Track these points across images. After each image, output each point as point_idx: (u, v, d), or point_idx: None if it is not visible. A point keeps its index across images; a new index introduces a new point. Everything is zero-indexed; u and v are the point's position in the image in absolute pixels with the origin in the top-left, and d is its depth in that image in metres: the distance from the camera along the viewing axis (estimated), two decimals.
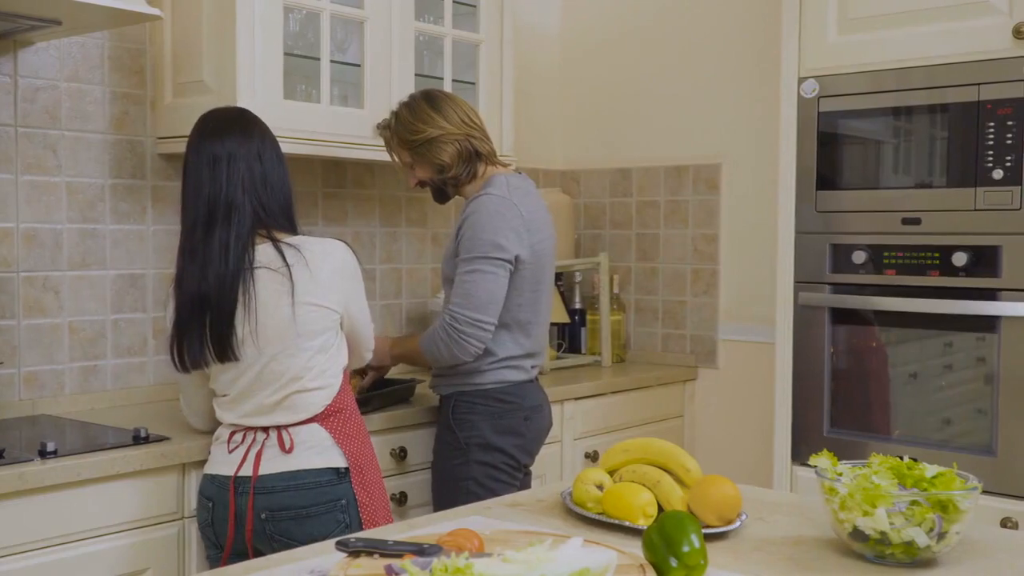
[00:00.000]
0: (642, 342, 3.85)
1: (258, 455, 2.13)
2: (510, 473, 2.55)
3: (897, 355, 2.81)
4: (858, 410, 2.85)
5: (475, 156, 2.59)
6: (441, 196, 2.68)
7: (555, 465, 3.14)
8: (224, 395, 2.19)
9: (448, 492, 2.49)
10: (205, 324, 2.11)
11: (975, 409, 2.64)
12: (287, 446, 2.13)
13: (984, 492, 2.52)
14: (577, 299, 3.83)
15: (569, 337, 3.84)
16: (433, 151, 2.57)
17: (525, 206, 2.54)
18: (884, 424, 2.81)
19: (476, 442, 2.53)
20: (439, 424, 2.63)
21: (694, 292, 3.70)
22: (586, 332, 3.83)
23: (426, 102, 2.60)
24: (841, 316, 2.84)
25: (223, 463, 2.17)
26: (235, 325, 2.11)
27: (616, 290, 3.81)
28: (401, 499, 2.68)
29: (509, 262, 2.49)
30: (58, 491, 2.08)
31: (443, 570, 1.18)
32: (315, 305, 2.13)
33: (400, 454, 2.69)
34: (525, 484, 2.66)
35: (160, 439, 2.28)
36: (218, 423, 2.23)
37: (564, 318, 3.75)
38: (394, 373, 3.02)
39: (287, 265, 2.11)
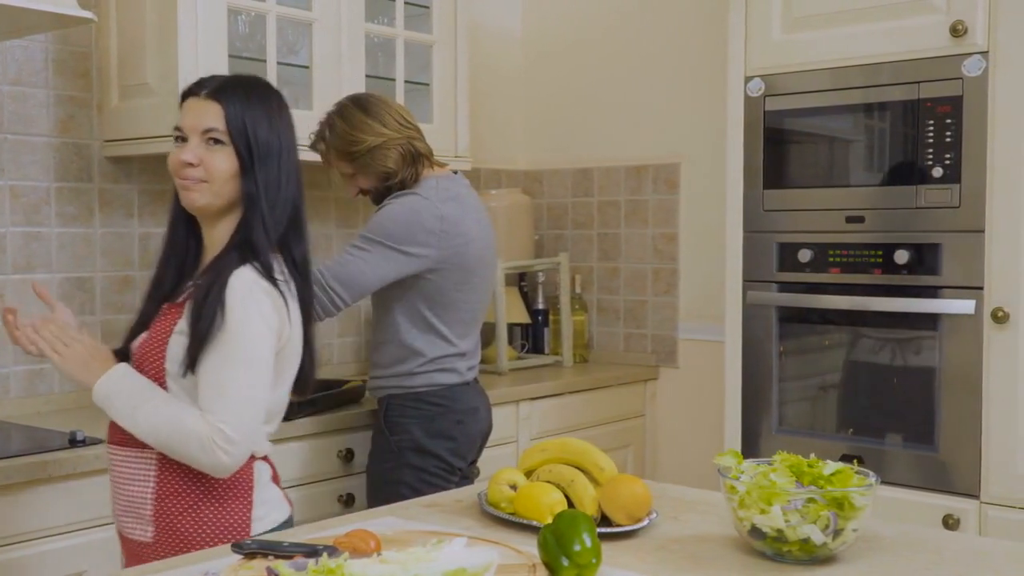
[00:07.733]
0: (604, 342, 3.85)
1: None
2: (443, 477, 2.52)
3: (842, 353, 2.81)
4: (805, 408, 2.86)
5: (418, 157, 2.54)
6: (382, 201, 2.60)
7: (510, 465, 3.13)
8: None
9: (381, 495, 2.45)
10: None
11: (918, 406, 2.63)
12: None
13: (926, 489, 2.58)
14: (540, 299, 3.83)
15: (532, 337, 3.84)
16: (377, 159, 2.50)
17: (449, 209, 2.51)
18: (830, 422, 2.81)
19: (408, 446, 2.51)
20: (374, 427, 2.62)
21: (655, 292, 3.71)
22: (549, 332, 3.83)
23: (359, 109, 2.52)
24: (788, 314, 2.84)
25: None
26: None
27: (578, 290, 3.82)
28: (348, 501, 2.68)
29: (404, 255, 2.45)
30: None
31: (317, 571, 1.18)
32: None
33: (346, 456, 2.69)
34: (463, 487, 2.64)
35: (97, 442, 2.28)
36: None
37: (525, 318, 3.75)
38: (346, 374, 3.01)
39: None
